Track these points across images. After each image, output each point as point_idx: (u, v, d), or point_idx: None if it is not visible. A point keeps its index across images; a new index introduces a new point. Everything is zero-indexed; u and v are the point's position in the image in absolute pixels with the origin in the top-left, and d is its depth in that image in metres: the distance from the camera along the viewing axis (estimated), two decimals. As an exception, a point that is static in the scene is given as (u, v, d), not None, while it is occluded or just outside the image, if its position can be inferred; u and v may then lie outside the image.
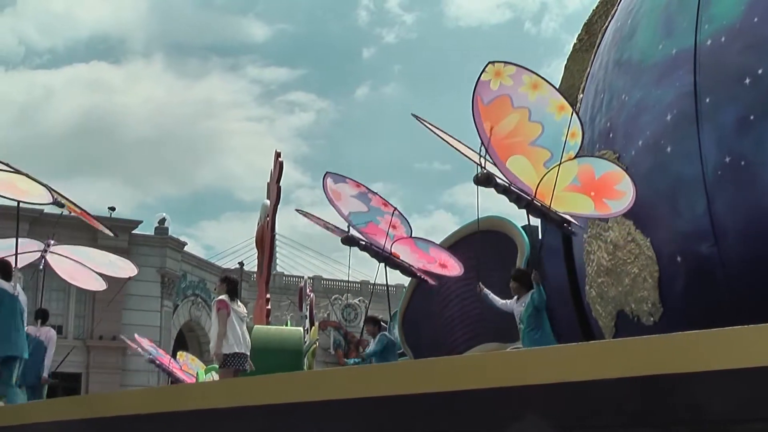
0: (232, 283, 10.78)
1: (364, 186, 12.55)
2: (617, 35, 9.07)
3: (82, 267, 13.84)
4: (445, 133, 9.87)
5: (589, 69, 9.94)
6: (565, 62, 11.48)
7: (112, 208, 38.01)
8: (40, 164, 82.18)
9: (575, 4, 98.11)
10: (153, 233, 40.01)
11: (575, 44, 11.42)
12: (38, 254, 13.24)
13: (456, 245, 12.79)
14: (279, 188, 18.99)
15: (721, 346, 3.67)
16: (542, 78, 8.44)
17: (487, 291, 10.62)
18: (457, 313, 12.81)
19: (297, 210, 13.87)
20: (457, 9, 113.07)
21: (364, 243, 12.64)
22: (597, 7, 11.14)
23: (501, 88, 8.54)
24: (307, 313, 24.51)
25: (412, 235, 12.74)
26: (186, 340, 40.76)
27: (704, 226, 7.28)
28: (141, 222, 38.71)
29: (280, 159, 19.35)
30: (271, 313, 19.47)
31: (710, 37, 7.48)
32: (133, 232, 37.69)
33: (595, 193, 8.82)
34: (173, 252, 39.44)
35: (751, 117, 6.98)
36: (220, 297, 10.47)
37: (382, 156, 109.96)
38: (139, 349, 21.05)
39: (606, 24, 10.04)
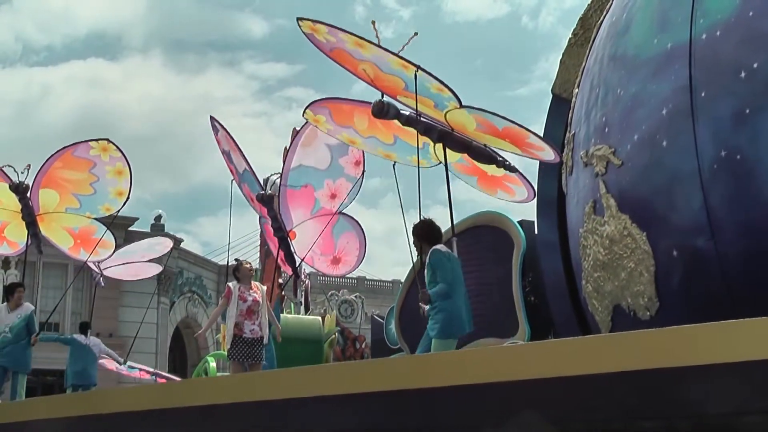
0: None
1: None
2: (612, 30, 9.07)
3: (133, 264, 16.42)
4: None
5: (584, 64, 9.94)
6: (561, 57, 11.49)
7: (108, 205, 37.92)
8: (38, 161, 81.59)
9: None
10: (149, 230, 39.97)
11: (570, 39, 11.43)
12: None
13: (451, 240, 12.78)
14: None
15: (718, 340, 3.69)
16: (363, 39, 8.59)
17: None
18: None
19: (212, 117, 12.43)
20: (455, 4, 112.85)
21: (273, 210, 11.78)
22: (592, 2, 11.15)
23: (329, 42, 8.80)
24: (302, 300, 24.30)
25: (343, 211, 11.84)
26: (183, 337, 40.73)
27: (700, 220, 7.29)
28: (137, 219, 38.63)
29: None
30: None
31: (705, 31, 7.49)
32: (129, 228, 37.62)
33: (511, 140, 9.10)
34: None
35: (747, 111, 7.00)
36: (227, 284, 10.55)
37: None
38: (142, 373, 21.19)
39: (601, 18, 10.04)
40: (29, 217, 13.14)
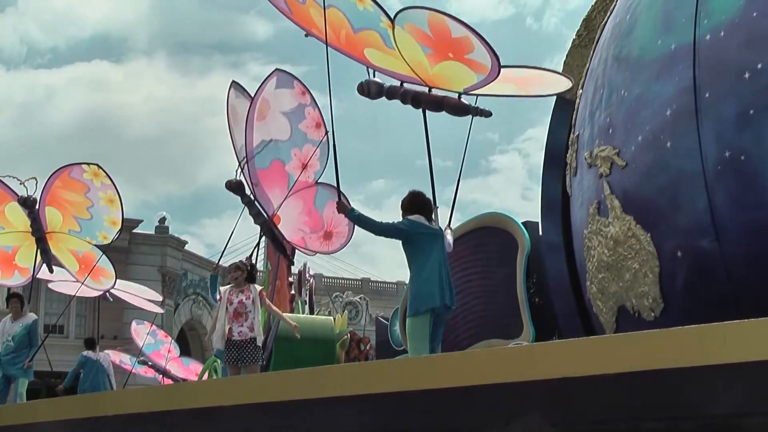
0: (253, 270, 10.74)
1: (308, 92, 10.85)
2: (616, 31, 9.07)
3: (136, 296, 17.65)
4: None
5: (588, 65, 9.94)
6: (564, 58, 11.49)
7: (113, 208, 37.96)
8: (42, 164, 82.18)
9: (577, 0, 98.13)
10: (154, 232, 40.00)
11: (574, 40, 11.43)
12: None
13: (457, 241, 12.77)
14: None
15: (723, 341, 3.68)
16: None
17: None
18: (458, 309, 12.80)
19: None
20: (459, 5, 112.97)
21: (247, 197, 11.04)
22: (596, 3, 11.15)
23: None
24: (306, 299, 24.24)
25: (319, 181, 11.16)
26: (187, 339, 40.77)
27: (705, 221, 7.28)
28: (141, 221, 38.71)
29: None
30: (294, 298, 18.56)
31: (709, 32, 7.48)
32: (134, 231, 37.67)
33: (454, 54, 8.83)
34: (174, 251, 39.46)
35: (751, 111, 6.99)
36: (249, 284, 10.42)
37: (383, 153, 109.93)
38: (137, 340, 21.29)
39: (605, 20, 10.04)
40: (38, 232, 13.12)
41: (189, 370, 21.80)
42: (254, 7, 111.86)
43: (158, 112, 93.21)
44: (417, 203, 8.28)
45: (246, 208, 11.32)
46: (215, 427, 6.05)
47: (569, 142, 9.99)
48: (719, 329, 3.73)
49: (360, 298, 34.81)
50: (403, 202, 8.34)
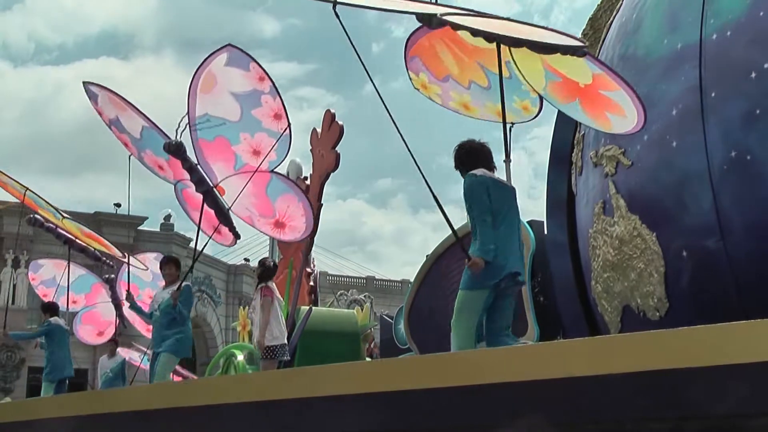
0: (269, 269, 10.73)
1: (269, 79, 9.44)
2: (622, 30, 9.06)
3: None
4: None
5: (594, 64, 9.92)
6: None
7: (118, 204, 38.11)
8: (49, 160, 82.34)
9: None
10: (159, 229, 40.08)
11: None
12: None
13: (462, 239, 12.75)
14: (338, 155, 15.72)
15: (728, 341, 3.68)
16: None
17: None
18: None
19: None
20: (467, 3, 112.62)
21: (188, 161, 9.85)
22: (602, 2, 11.12)
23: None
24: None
25: (274, 170, 10.06)
26: (192, 336, 40.75)
27: (710, 221, 7.28)
28: (146, 218, 38.80)
29: (337, 121, 15.97)
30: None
31: (716, 32, 7.48)
32: (139, 228, 37.74)
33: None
34: (178, 248, 39.48)
35: (757, 111, 6.98)
36: (266, 284, 10.44)
37: (389, 151, 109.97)
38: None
39: (611, 19, 10.03)
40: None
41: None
42: (262, 5, 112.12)
43: (165, 109, 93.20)
44: (480, 156, 6.91)
45: (185, 183, 10.30)
46: (220, 425, 6.05)
47: (575, 141, 9.98)
48: (724, 329, 3.73)
49: (364, 296, 34.82)
50: (459, 156, 6.96)
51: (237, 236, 10.68)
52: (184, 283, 10.13)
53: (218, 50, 9.48)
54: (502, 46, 7.32)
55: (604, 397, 4.04)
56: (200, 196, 10.18)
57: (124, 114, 10.03)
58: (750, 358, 3.53)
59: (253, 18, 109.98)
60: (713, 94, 7.36)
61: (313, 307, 13.60)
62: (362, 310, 15.06)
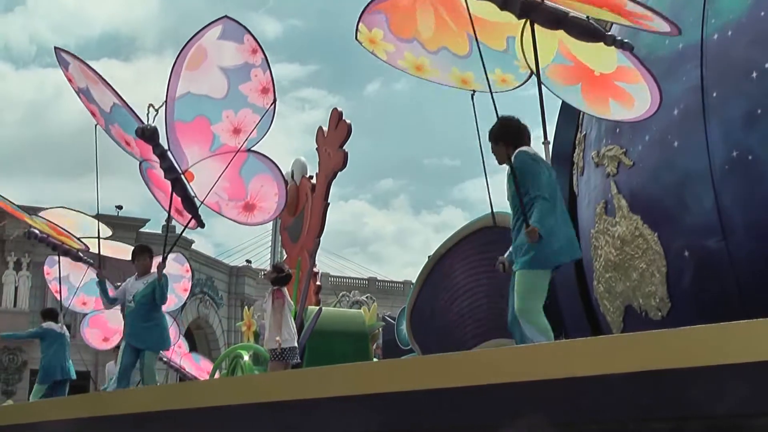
0: (283, 272, 10.74)
1: (262, 52, 9.02)
2: (623, 30, 9.06)
3: None
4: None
5: (595, 64, 9.92)
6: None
7: (119, 207, 38.16)
8: (50, 163, 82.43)
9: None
10: (160, 231, 40.05)
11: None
12: None
13: (464, 240, 12.77)
14: (346, 154, 15.85)
15: (730, 341, 3.68)
16: None
17: None
18: (465, 308, 12.78)
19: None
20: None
21: (160, 147, 9.43)
22: (603, 2, 11.12)
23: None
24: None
25: (252, 149, 9.64)
26: (194, 338, 40.85)
27: (712, 220, 7.28)
28: (148, 220, 38.84)
29: (345, 120, 16.15)
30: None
31: (717, 32, 7.48)
32: (141, 230, 37.76)
33: (609, 7, 7.17)
34: (180, 250, 39.45)
35: (758, 111, 6.98)
36: (278, 287, 10.46)
37: (392, 152, 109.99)
38: None
39: (612, 19, 10.02)
40: None
41: (200, 368, 21.56)
42: (263, 6, 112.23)
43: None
44: (523, 132, 6.73)
45: (152, 162, 9.87)
46: (222, 427, 6.05)
47: (576, 141, 9.98)
48: (726, 329, 3.73)
49: (367, 297, 34.78)
50: (500, 133, 6.71)
51: (201, 225, 10.36)
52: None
53: (213, 22, 9.16)
54: (515, 20, 7.30)
55: (605, 397, 4.04)
56: (158, 180, 9.94)
57: (95, 87, 9.65)
58: (752, 358, 3.52)
59: (255, 19, 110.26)
60: (714, 94, 7.37)
61: (317, 308, 13.41)
62: (369, 310, 14.98)
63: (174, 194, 9.73)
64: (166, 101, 9.25)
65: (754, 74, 7.05)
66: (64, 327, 14.25)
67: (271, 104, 9.23)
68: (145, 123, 9.30)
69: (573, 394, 4.14)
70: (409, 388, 4.84)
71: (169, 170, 9.52)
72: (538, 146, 6.90)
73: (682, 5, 8.03)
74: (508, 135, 6.68)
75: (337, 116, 16.43)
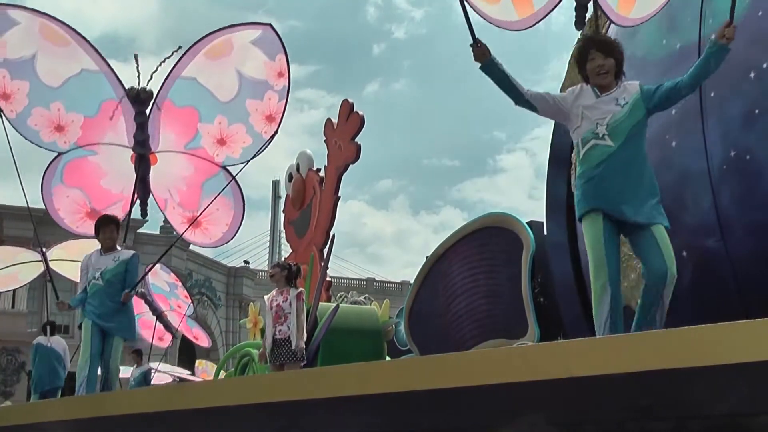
0: (292, 268, 10.65)
1: (288, 79, 8.68)
2: (621, 31, 9.06)
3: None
4: None
5: (593, 64, 9.90)
6: (569, 58, 11.46)
7: (118, 208, 38.02)
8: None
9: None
10: (159, 232, 40.05)
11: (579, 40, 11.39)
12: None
13: (462, 241, 12.77)
14: (359, 146, 15.80)
15: (729, 340, 3.68)
16: None
17: None
18: (463, 309, 12.80)
19: None
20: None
21: (144, 115, 8.81)
22: (601, 3, 11.11)
23: None
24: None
25: (227, 167, 9.16)
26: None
27: (710, 220, 7.28)
28: (147, 221, 38.71)
29: (357, 111, 15.97)
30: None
31: (714, 32, 7.48)
32: (139, 231, 37.71)
33: None
34: (178, 251, 39.53)
35: (756, 111, 6.99)
36: (299, 290, 10.37)
37: (391, 152, 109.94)
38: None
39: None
40: None
41: (194, 336, 21.41)
42: (262, 7, 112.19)
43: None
44: None
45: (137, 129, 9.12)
46: (221, 427, 6.06)
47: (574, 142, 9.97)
48: (725, 329, 3.73)
49: (365, 297, 34.74)
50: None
51: (144, 214, 9.90)
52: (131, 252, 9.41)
53: (256, 23, 8.71)
54: None
55: (605, 397, 4.04)
56: (82, 174, 9.36)
57: (55, 51, 8.72)
58: (751, 358, 3.53)
59: (254, 19, 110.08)
60: (712, 94, 7.37)
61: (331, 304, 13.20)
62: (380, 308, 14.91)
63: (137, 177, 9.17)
64: (168, 76, 8.76)
65: (753, 74, 7.06)
66: (51, 340, 15.27)
67: (271, 136, 8.83)
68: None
69: (573, 394, 4.14)
70: (408, 389, 4.85)
71: (142, 144, 8.94)
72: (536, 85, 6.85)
73: (680, 6, 8.03)
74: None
75: (348, 108, 16.15)
